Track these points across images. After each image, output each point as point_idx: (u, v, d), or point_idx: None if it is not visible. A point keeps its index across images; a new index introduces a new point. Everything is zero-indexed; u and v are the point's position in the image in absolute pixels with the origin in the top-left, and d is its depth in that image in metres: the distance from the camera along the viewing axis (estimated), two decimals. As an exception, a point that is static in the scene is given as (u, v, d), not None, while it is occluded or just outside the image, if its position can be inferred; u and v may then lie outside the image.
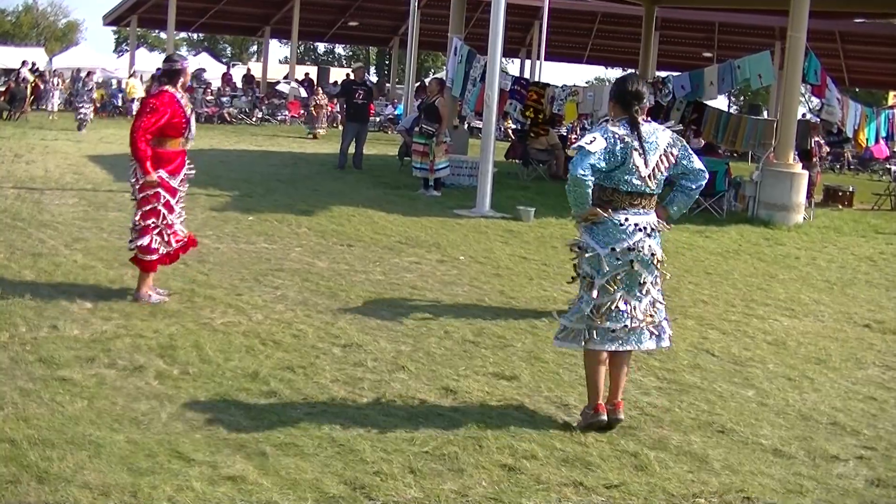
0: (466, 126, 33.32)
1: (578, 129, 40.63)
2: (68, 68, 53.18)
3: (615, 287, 7.17)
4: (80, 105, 33.24)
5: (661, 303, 7.45)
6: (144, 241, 10.08)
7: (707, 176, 7.35)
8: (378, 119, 44.78)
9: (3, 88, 38.40)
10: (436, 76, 40.39)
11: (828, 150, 29.63)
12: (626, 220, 7.11)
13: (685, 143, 7.34)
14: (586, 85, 38.59)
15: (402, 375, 8.18)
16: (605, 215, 7.09)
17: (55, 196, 17.08)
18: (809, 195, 21.21)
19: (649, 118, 7.23)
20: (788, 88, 21.15)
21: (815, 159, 23.85)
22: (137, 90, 41.38)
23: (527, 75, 43.44)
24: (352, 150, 25.45)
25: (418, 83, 36.55)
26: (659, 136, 7.14)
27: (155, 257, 10.17)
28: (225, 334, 9.04)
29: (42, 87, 41.17)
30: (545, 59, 38.14)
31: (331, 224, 15.89)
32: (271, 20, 52.05)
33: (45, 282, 10.57)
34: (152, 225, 10.09)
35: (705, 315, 11.25)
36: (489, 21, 17.99)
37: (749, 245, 16.99)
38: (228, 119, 42.08)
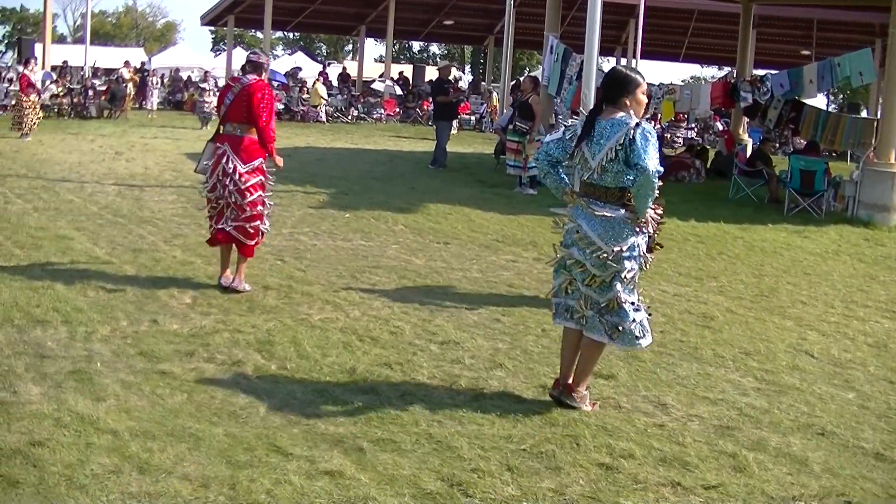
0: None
1: (677, 127, 40.38)
2: (167, 68, 53.92)
3: (569, 269, 7.45)
4: (203, 103, 34.45)
5: (628, 305, 7.35)
6: (258, 226, 10.66)
7: (645, 171, 6.92)
8: (474, 118, 44.81)
9: (104, 88, 38.99)
10: (530, 74, 40.29)
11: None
12: (575, 204, 7.43)
13: (646, 139, 7.01)
14: (683, 83, 38.24)
15: (499, 373, 8.17)
16: (570, 201, 7.53)
17: (154, 193, 17.32)
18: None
19: (651, 117, 7.53)
20: (890, 86, 20.75)
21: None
22: (323, 93, 42.27)
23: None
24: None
25: (514, 82, 36.51)
26: (617, 128, 7.09)
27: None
28: (322, 330, 9.10)
29: (143, 82, 41.80)
30: (641, 58, 37.86)
31: (427, 222, 15.93)
32: (367, 19, 52.29)
33: (146, 277, 10.73)
34: (260, 212, 10.59)
35: (804, 316, 11.10)
36: (585, 19, 17.92)
37: (849, 245, 16.72)
38: (324, 118, 42.33)
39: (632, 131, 7.03)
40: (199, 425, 6.58)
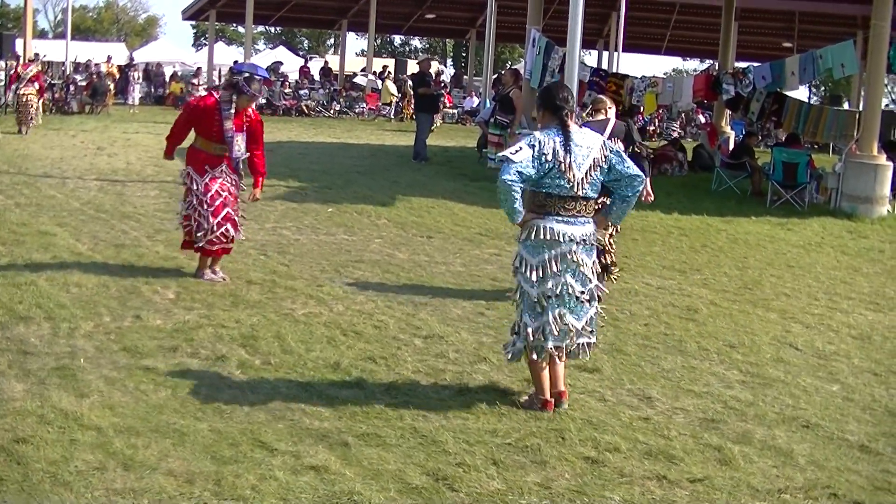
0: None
1: (657, 120, 40.43)
2: (148, 62, 53.75)
3: (550, 302, 7.17)
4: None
5: (595, 317, 7.49)
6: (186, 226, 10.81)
7: (643, 180, 7.31)
8: (456, 111, 44.81)
9: (85, 83, 38.87)
10: (511, 67, 40.27)
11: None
12: (557, 229, 7.10)
13: (619, 149, 7.42)
14: (665, 76, 38.26)
15: (484, 367, 8.17)
16: (539, 221, 7.12)
17: (137, 188, 17.26)
18: (894, 187, 20.84)
19: (586, 123, 7.54)
20: (872, 78, 20.81)
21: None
22: (393, 91, 42.37)
23: (605, 66, 43.23)
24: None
25: (496, 75, 36.51)
26: (591, 140, 7.19)
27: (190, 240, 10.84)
28: (306, 325, 9.09)
29: (125, 77, 41.70)
30: (623, 50, 37.91)
31: (410, 216, 15.92)
32: (348, 13, 52.13)
33: (129, 272, 10.69)
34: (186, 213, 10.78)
35: (788, 308, 11.12)
36: (567, 12, 17.95)
37: (832, 238, 16.75)
38: (306, 112, 42.26)
39: (605, 141, 7.30)
40: (183, 421, 6.57)
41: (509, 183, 6.90)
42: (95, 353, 7.92)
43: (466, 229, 15.01)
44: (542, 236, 7.10)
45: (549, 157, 7.00)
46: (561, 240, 7.10)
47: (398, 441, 6.45)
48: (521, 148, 7.03)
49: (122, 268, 10.91)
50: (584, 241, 7.18)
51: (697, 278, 12.43)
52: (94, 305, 9.31)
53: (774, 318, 10.63)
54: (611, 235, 10.62)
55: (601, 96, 11.67)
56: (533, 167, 6.97)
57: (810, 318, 10.74)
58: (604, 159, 7.13)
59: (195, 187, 10.53)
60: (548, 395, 7.28)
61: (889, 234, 17.67)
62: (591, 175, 7.10)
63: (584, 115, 10.94)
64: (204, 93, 32.92)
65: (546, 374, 7.32)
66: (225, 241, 10.62)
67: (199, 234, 10.53)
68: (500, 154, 7.43)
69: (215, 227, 10.48)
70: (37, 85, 27.69)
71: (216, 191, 10.52)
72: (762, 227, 17.21)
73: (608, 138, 8.59)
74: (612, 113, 10.41)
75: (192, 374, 7.56)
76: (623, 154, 7.31)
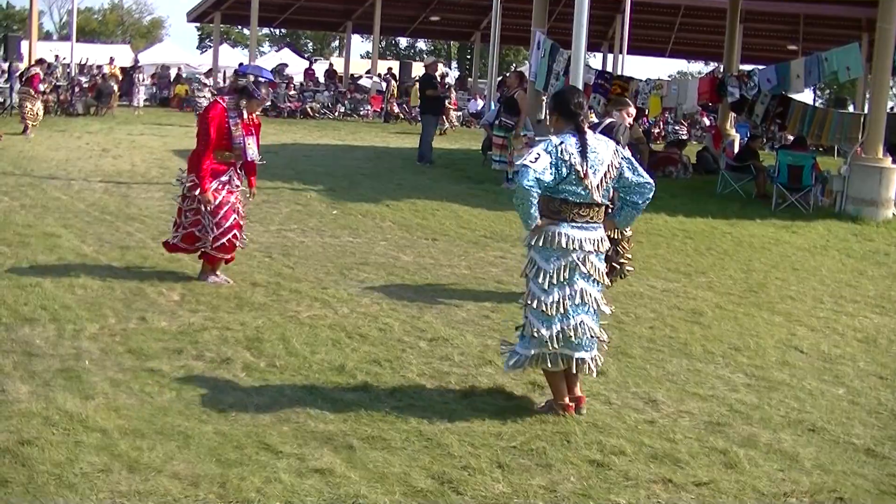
0: (550, 120, 33.10)
1: (662, 123, 40.41)
2: (153, 64, 53.78)
3: (573, 309, 7.14)
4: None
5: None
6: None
7: (653, 187, 7.32)
8: (461, 114, 44.78)
9: (89, 85, 38.88)
10: (516, 70, 40.25)
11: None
12: (573, 234, 7.07)
13: (629, 154, 7.37)
14: (670, 78, 38.24)
15: (488, 370, 8.15)
16: (554, 227, 7.06)
17: (141, 190, 17.26)
18: (900, 190, 20.80)
19: (603, 129, 7.50)
20: (877, 81, 20.77)
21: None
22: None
23: (609, 69, 43.22)
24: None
25: (500, 77, 36.48)
26: (603, 146, 7.18)
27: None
28: (311, 327, 9.08)
29: (129, 79, 41.76)
30: (628, 53, 37.93)
31: (415, 218, 15.91)
32: (353, 15, 52.16)
33: (134, 274, 10.70)
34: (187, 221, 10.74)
35: (793, 311, 11.10)
36: (572, 14, 17.95)
37: (837, 241, 16.72)
38: (311, 114, 42.23)
39: (617, 148, 7.27)
40: (188, 423, 6.56)
41: (528, 188, 6.85)
42: (100, 354, 7.92)
43: (471, 232, 15.00)
44: (558, 242, 7.06)
45: (567, 164, 6.96)
46: (576, 246, 7.06)
47: (403, 444, 6.45)
48: (539, 155, 6.96)
49: (127, 270, 10.92)
50: (598, 247, 7.17)
51: (702, 281, 12.42)
52: (99, 307, 9.31)
53: (780, 321, 10.61)
54: (626, 242, 10.70)
55: (626, 99, 11.78)
56: (551, 174, 6.93)
57: (815, 321, 10.72)
58: (616, 166, 7.12)
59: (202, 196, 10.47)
60: (567, 400, 7.24)
61: (895, 236, 17.63)
62: (605, 182, 7.10)
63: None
64: (210, 97, 33.25)
65: (563, 381, 7.29)
66: (232, 248, 10.60)
67: (206, 242, 10.50)
68: (518, 162, 7.40)
69: (225, 233, 10.45)
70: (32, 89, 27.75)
71: (223, 199, 10.48)
72: (767, 230, 17.19)
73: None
74: (616, 116, 10.62)
75: (197, 377, 7.56)
76: (634, 161, 7.29)
